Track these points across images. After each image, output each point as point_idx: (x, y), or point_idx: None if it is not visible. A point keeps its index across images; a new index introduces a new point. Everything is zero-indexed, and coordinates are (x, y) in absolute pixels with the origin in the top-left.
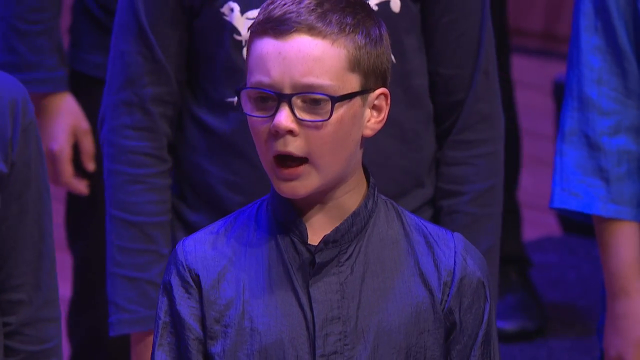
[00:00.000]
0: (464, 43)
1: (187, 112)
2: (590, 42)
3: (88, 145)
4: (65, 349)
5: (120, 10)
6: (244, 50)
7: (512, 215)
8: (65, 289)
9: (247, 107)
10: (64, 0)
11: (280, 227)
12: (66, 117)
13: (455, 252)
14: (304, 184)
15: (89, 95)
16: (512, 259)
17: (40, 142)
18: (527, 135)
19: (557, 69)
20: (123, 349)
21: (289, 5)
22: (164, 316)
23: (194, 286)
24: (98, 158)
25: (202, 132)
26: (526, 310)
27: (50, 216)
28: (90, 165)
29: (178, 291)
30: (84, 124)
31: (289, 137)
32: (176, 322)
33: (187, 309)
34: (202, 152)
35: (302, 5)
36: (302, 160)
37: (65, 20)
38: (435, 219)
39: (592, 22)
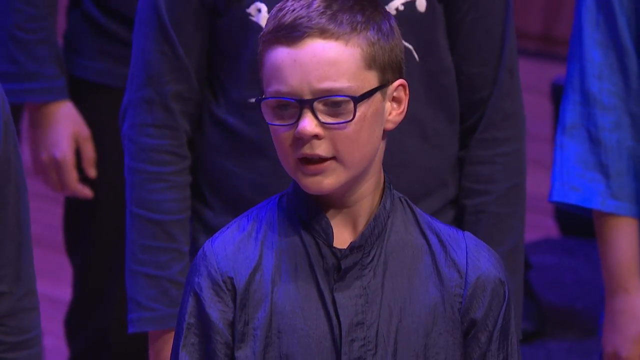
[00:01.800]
0: (489, 40)
1: (207, 112)
2: (593, 36)
3: (89, 151)
4: (66, 354)
5: (141, 9)
6: None
7: None
8: (63, 291)
9: (269, 116)
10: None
11: (304, 228)
12: (67, 124)
13: (467, 252)
14: (330, 179)
15: (92, 103)
16: None
17: (16, 135)
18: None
19: (555, 71)
20: (125, 354)
21: (298, 11)
22: (188, 317)
23: (226, 289)
24: (99, 163)
25: (225, 133)
26: (524, 312)
27: (28, 208)
28: (92, 172)
29: (208, 294)
30: (84, 130)
31: (314, 141)
32: (203, 325)
33: (217, 312)
34: (225, 153)
35: (311, 9)
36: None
37: (59, 26)
38: (459, 219)
39: (595, 16)
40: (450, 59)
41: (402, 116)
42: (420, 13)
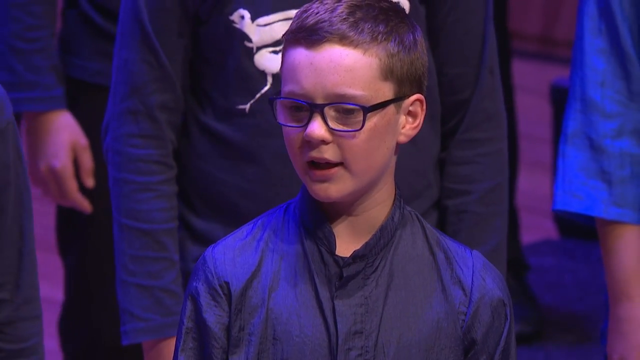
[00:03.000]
0: (470, 41)
1: (193, 120)
2: (594, 44)
3: (87, 161)
4: (60, 356)
5: (123, 20)
6: (255, 57)
7: (509, 218)
8: (56, 291)
9: (281, 117)
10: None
11: (308, 235)
12: (66, 133)
13: (473, 271)
14: (337, 186)
15: (91, 103)
16: (510, 263)
17: (19, 141)
18: (524, 138)
19: (554, 73)
20: (119, 356)
21: (321, 14)
22: (187, 322)
23: (222, 294)
24: (95, 164)
25: (212, 141)
26: (523, 314)
27: (31, 215)
28: (89, 182)
29: (205, 298)
30: (82, 140)
31: (322, 146)
32: (201, 329)
33: (213, 317)
34: (212, 161)
35: (334, 14)
36: (336, 164)
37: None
38: (441, 219)
39: (596, 24)
40: (430, 61)
41: (416, 131)
42: None
